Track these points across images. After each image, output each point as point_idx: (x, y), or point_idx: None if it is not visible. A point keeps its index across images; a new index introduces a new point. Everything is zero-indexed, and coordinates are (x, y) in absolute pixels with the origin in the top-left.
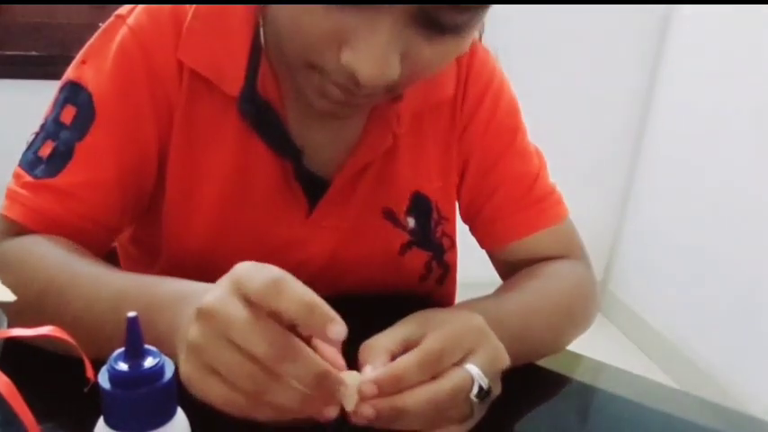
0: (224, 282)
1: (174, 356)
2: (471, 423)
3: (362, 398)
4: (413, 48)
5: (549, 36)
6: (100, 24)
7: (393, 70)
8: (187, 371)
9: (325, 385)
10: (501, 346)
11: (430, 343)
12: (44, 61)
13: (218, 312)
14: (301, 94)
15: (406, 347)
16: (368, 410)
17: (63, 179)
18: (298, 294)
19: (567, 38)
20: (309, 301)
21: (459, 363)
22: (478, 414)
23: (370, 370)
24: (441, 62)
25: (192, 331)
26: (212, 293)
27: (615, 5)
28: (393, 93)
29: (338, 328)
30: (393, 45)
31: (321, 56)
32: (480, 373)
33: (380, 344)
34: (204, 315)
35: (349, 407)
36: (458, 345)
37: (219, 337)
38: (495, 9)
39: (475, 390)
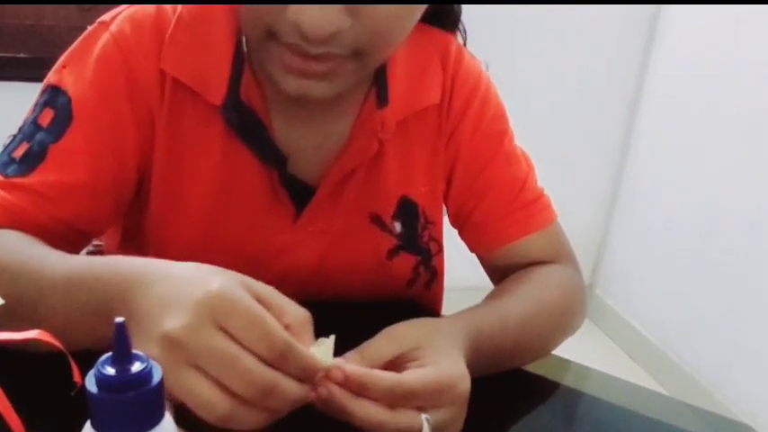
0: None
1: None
2: None
3: (328, 376)
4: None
5: (535, 37)
6: (88, 27)
7: (337, 19)
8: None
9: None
10: (463, 416)
11: (412, 381)
12: (32, 63)
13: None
14: (274, 83)
15: (390, 363)
16: (323, 392)
17: (34, 179)
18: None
19: (553, 39)
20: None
21: (421, 408)
22: None
23: (342, 362)
24: (403, 18)
25: (172, 322)
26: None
27: (602, 5)
28: (358, 59)
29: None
30: None
31: (275, 19)
32: (430, 429)
33: (367, 355)
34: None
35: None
36: (433, 397)
37: (210, 326)
38: (481, 11)
39: None
